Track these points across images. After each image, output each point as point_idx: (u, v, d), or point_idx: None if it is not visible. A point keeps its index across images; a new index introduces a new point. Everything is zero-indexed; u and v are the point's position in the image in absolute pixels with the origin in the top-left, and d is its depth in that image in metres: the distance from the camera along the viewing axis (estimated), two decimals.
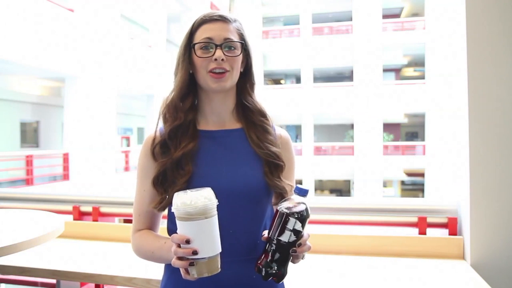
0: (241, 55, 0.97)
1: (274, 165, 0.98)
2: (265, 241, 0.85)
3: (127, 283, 1.62)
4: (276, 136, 1.04)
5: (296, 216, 0.81)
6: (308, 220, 0.83)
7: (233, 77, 0.96)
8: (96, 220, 2.29)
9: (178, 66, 0.99)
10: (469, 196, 1.71)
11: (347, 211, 2.03)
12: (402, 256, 1.85)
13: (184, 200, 0.78)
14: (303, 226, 0.82)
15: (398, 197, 18.02)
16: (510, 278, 1.66)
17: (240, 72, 1.00)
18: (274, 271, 0.83)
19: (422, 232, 1.92)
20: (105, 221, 2.32)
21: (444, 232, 1.93)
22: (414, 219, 1.95)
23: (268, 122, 1.03)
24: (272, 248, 0.83)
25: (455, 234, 1.88)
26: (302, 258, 0.87)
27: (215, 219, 0.79)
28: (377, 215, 2.00)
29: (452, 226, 1.89)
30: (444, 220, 1.91)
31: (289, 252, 0.82)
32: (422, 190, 17.61)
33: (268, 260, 0.83)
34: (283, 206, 0.83)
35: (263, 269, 0.84)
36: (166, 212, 1.01)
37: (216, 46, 0.94)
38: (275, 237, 0.82)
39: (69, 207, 2.34)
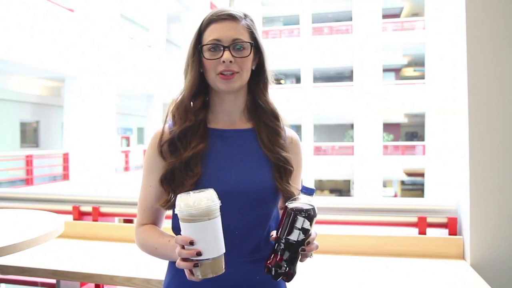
0: (251, 54, 0.94)
1: (284, 170, 0.97)
2: (273, 241, 0.85)
3: (127, 283, 1.62)
4: (287, 138, 1.02)
5: (304, 215, 0.82)
6: (315, 218, 0.83)
7: (243, 78, 0.94)
8: (96, 220, 2.29)
9: (188, 67, 0.96)
10: (469, 196, 1.71)
11: (347, 211, 2.03)
12: (402, 256, 1.85)
13: (187, 201, 0.77)
14: (311, 225, 0.82)
15: (398, 197, 18.01)
16: (510, 278, 1.66)
17: (253, 70, 0.98)
18: (284, 271, 0.83)
19: (422, 232, 1.92)
20: (105, 221, 2.32)
21: (444, 232, 1.93)
22: (414, 219, 1.95)
23: (280, 124, 1.01)
24: (281, 247, 0.83)
25: (455, 234, 1.88)
26: (310, 257, 0.86)
27: (218, 220, 0.79)
28: (377, 215, 2.01)
29: (452, 226, 1.89)
30: (444, 220, 1.91)
31: (298, 251, 0.82)
32: (422, 190, 17.60)
33: (277, 260, 0.83)
34: (291, 206, 0.83)
35: (273, 269, 0.84)
36: (170, 211, 1.00)
37: (224, 47, 0.91)
38: (284, 236, 0.82)
39: (69, 207, 2.34)
